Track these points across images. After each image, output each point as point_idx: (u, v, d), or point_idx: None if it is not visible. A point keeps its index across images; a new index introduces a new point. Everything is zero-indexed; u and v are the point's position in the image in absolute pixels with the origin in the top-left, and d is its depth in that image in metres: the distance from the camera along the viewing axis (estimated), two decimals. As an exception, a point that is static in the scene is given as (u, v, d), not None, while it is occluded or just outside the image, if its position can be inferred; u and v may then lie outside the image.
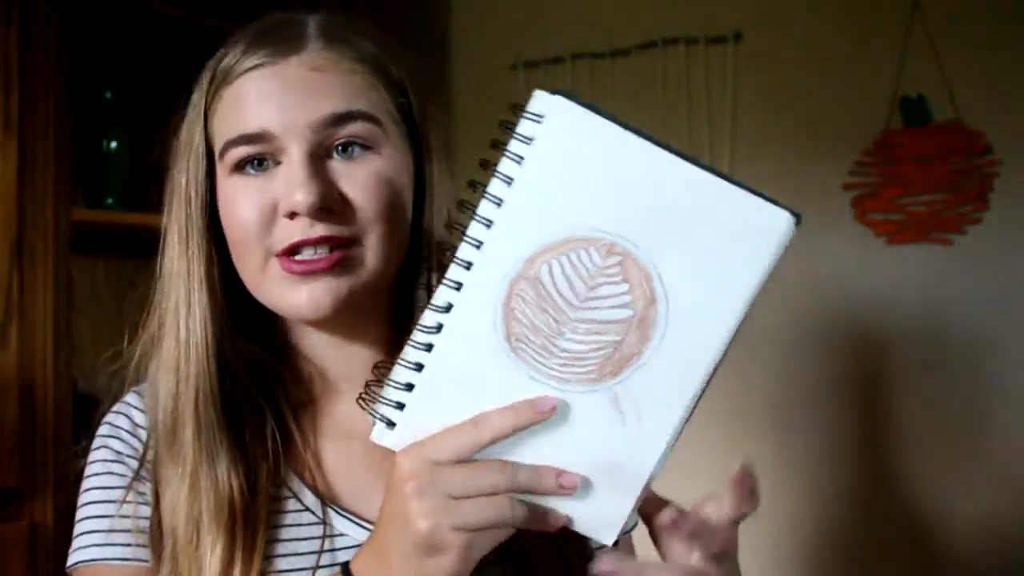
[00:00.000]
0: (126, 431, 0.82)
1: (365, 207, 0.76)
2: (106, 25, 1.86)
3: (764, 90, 2.19)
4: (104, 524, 0.79)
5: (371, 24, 0.84)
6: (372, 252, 0.77)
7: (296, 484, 0.80)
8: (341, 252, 0.76)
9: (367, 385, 0.65)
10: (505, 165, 0.60)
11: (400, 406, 0.63)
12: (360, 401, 0.65)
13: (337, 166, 0.77)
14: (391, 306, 0.84)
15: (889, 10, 2.05)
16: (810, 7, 2.15)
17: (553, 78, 2.34)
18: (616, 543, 0.65)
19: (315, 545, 0.78)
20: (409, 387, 0.63)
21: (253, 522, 0.76)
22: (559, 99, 0.60)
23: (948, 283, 2.02)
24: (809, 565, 2.12)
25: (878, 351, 2.09)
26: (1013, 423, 1.96)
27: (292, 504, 0.79)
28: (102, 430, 0.84)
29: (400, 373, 0.63)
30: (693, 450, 2.12)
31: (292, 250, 0.76)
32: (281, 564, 0.77)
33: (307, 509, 0.79)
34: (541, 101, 0.60)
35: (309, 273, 0.75)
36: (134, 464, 0.81)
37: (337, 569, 0.68)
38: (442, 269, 0.62)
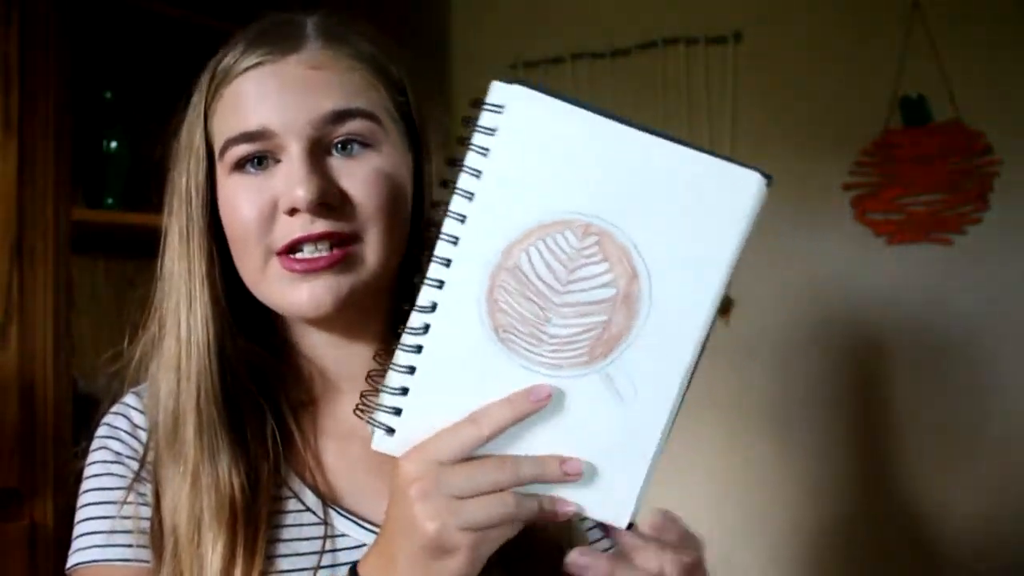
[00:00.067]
0: (125, 432, 0.82)
1: (365, 203, 0.76)
2: (106, 25, 1.86)
3: (764, 90, 2.19)
4: (105, 525, 0.79)
5: (369, 25, 0.84)
6: (372, 249, 0.77)
7: (297, 484, 0.80)
8: (342, 250, 0.76)
9: (363, 395, 0.65)
10: (472, 159, 0.60)
11: (397, 411, 0.63)
12: (358, 411, 0.65)
13: (337, 163, 0.77)
14: (391, 305, 0.84)
15: (889, 10, 2.05)
16: (810, 7, 2.15)
17: (553, 78, 2.34)
18: (630, 525, 0.64)
19: (316, 545, 0.78)
20: (404, 391, 0.63)
21: (254, 521, 0.76)
22: (517, 88, 0.60)
23: (948, 283, 2.02)
24: (809, 565, 2.12)
25: (878, 351, 2.09)
26: (1012, 423, 1.96)
27: (293, 504, 0.79)
28: (101, 431, 0.84)
29: (394, 378, 0.63)
30: (693, 449, 2.13)
31: (292, 248, 0.76)
32: (282, 564, 0.77)
33: (308, 509, 0.79)
34: (500, 91, 0.60)
35: (310, 271, 0.75)
36: (134, 465, 0.80)
37: (339, 570, 0.68)
38: (423, 270, 0.62)
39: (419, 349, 0.62)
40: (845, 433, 2.12)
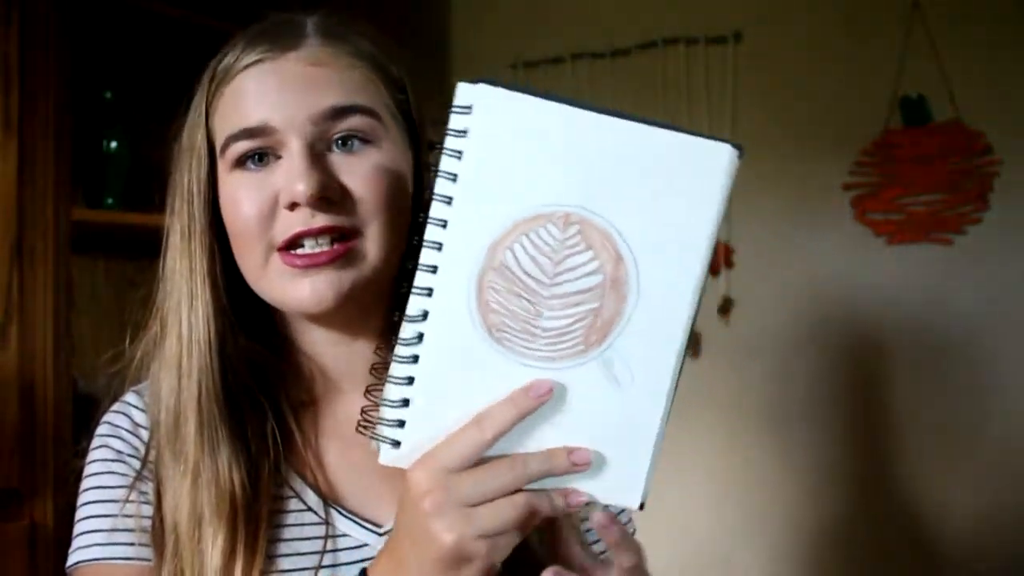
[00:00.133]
0: (126, 430, 0.82)
1: (366, 198, 0.76)
2: (106, 25, 1.86)
3: (764, 90, 2.19)
4: (106, 523, 0.79)
5: (369, 25, 0.84)
6: (373, 243, 0.77)
7: (298, 484, 0.80)
8: (343, 245, 0.76)
9: (363, 411, 0.65)
10: (446, 162, 0.60)
11: (401, 423, 0.63)
12: (360, 429, 0.65)
13: (337, 159, 0.77)
14: (390, 303, 0.84)
15: (889, 10, 2.05)
16: (810, 7, 2.15)
17: (553, 78, 2.34)
18: (642, 506, 0.65)
19: (317, 545, 0.78)
20: (405, 403, 0.63)
21: (255, 518, 0.76)
22: (482, 87, 0.60)
23: (948, 283, 2.02)
24: (809, 565, 2.12)
25: (878, 351, 2.09)
26: (1012, 423, 1.96)
27: (294, 504, 0.79)
28: (102, 429, 0.84)
29: (393, 391, 0.63)
30: (693, 449, 2.13)
31: (293, 243, 0.76)
32: (283, 564, 0.77)
33: (309, 509, 0.79)
34: (465, 92, 0.60)
35: (311, 266, 0.75)
36: (135, 463, 0.80)
37: (341, 571, 0.68)
38: (410, 276, 0.62)
39: (415, 359, 0.62)
40: (845, 433, 2.12)
